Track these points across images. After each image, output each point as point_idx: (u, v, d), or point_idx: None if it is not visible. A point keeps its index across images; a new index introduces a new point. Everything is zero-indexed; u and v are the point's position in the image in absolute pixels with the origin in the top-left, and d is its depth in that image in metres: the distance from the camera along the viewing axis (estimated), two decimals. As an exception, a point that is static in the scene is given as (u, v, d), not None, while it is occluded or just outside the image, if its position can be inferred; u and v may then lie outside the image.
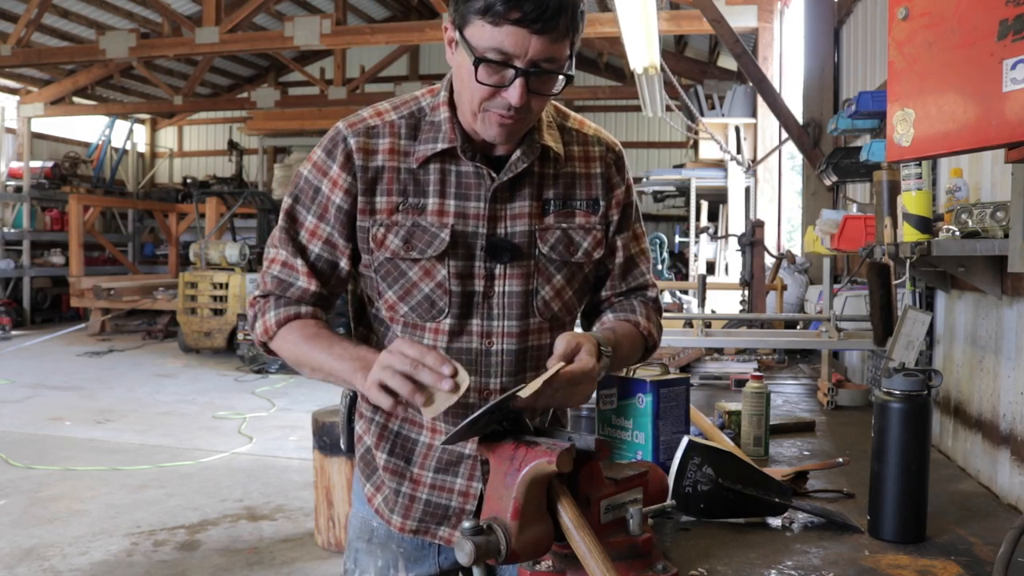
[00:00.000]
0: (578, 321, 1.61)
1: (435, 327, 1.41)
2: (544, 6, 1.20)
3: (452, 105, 1.39)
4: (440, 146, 1.37)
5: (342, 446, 1.62)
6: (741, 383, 2.72)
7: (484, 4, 1.21)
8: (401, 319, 1.43)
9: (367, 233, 1.40)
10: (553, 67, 1.27)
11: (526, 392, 1.15)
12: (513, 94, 1.26)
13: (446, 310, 1.40)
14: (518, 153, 1.39)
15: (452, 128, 1.38)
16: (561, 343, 1.28)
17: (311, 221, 1.41)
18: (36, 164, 14.81)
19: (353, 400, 1.56)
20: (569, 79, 1.31)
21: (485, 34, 1.23)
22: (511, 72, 1.25)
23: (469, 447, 1.45)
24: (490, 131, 1.33)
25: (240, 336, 10.33)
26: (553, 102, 1.47)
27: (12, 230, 14.22)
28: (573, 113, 1.54)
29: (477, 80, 1.26)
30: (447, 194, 1.38)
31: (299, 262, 1.40)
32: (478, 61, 1.24)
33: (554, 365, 1.22)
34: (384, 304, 1.44)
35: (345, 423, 1.57)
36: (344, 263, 1.42)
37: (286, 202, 1.44)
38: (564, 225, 1.44)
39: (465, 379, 1.17)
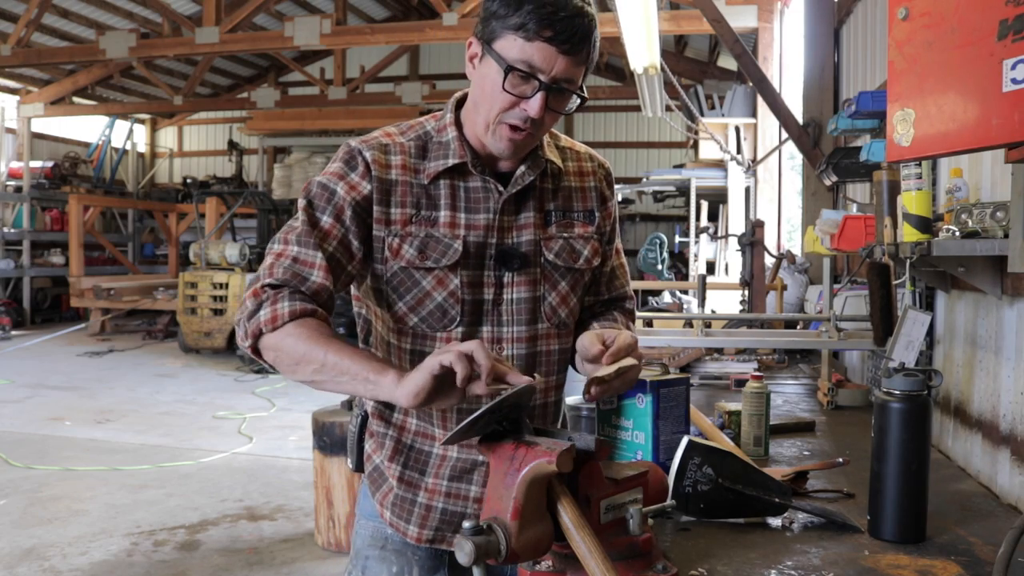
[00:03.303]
0: None
1: (446, 336, 1.45)
2: (574, 30, 1.32)
3: (459, 125, 1.48)
4: (451, 161, 1.44)
5: (349, 465, 1.65)
6: (741, 383, 2.73)
7: (519, 20, 1.31)
8: (410, 331, 1.47)
9: (382, 243, 1.43)
10: (571, 87, 1.38)
11: (600, 373, 1.27)
12: (534, 105, 1.35)
13: (458, 318, 1.45)
14: (523, 168, 1.46)
15: (461, 145, 1.45)
16: (594, 340, 1.34)
17: (327, 221, 1.41)
18: (36, 164, 14.81)
19: (364, 420, 1.60)
20: (583, 100, 1.43)
21: (516, 47, 1.33)
22: (535, 84, 1.34)
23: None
24: (499, 145, 1.40)
25: (240, 336, 10.31)
26: None
27: (12, 230, 14.22)
28: (563, 135, 1.63)
29: (504, 88, 1.34)
30: (458, 207, 1.45)
31: (318, 256, 1.37)
32: (509, 69, 1.33)
33: (627, 360, 1.31)
34: (393, 316, 1.46)
35: (355, 443, 1.61)
36: (352, 267, 1.43)
37: (301, 203, 1.43)
38: (565, 235, 1.52)
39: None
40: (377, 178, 1.42)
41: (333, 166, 1.45)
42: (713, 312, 4.06)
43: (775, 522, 1.64)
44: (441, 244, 1.43)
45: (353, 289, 1.56)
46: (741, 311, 4.41)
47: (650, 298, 6.74)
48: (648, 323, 3.58)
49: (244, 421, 7.35)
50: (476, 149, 1.46)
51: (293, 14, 12.47)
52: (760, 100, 7.67)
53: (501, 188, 1.45)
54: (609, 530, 1.22)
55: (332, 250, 1.40)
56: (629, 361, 1.30)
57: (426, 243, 1.43)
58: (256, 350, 1.35)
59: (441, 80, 15.79)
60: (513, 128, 1.37)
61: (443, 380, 1.18)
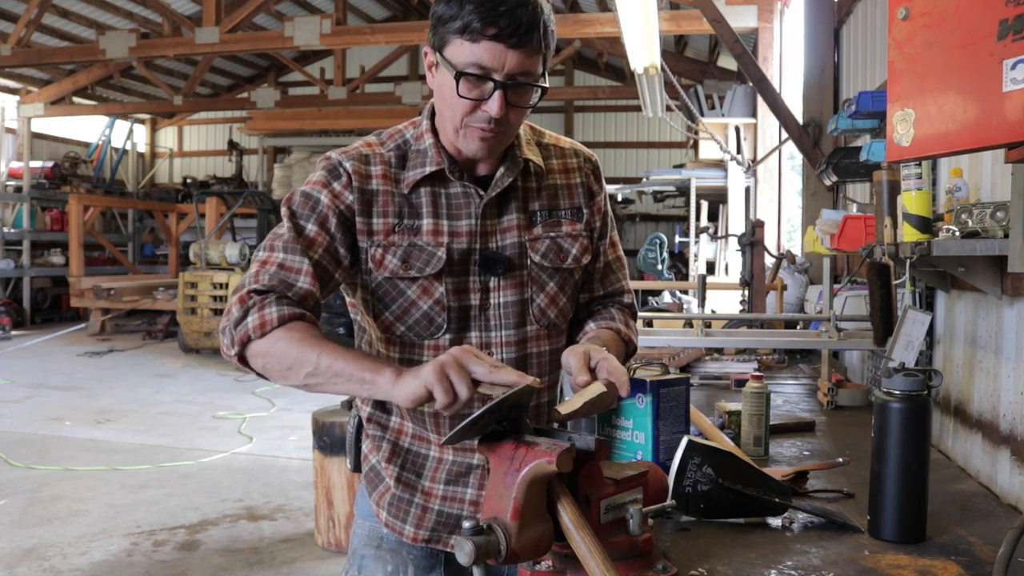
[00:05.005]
0: None
1: (434, 343, 1.45)
2: (518, 22, 1.29)
3: (435, 131, 1.46)
4: (428, 169, 1.43)
5: (348, 466, 1.66)
6: (741, 383, 2.73)
7: (462, 24, 1.29)
8: (398, 339, 1.46)
9: (365, 254, 1.43)
10: (528, 80, 1.35)
11: (565, 409, 1.21)
12: (493, 106, 1.33)
13: (444, 326, 1.44)
14: (502, 170, 1.45)
15: (438, 152, 1.44)
16: (574, 358, 1.29)
17: (312, 229, 1.40)
18: (36, 164, 14.80)
19: (361, 422, 1.60)
20: (544, 91, 1.38)
21: (464, 51, 1.31)
22: (490, 85, 1.32)
23: (477, 457, 1.48)
24: (471, 146, 1.38)
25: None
26: (528, 123, 1.54)
27: (12, 230, 14.21)
28: (548, 131, 1.60)
29: (459, 94, 1.33)
30: (440, 215, 1.44)
31: (305, 263, 1.37)
32: (459, 75, 1.32)
33: (594, 385, 1.26)
34: (380, 326, 1.46)
35: (353, 443, 1.61)
36: (339, 274, 1.43)
37: (284, 213, 1.43)
38: (552, 234, 1.50)
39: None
40: (358, 189, 1.42)
41: (315, 176, 1.45)
42: (713, 312, 4.06)
43: (775, 522, 1.64)
44: (425, 253, 1.41)
45: (348, 296, 1.55)
46: (741, 311, 4.41)
47: (650, 298, 6.74)
48: (648, 323, 3.58)
49: (244, 421, 7.35)
50: (453, 155, 1.44)
51: (293, 14, 12.47)
52: (760, 100, 7.67)
53: (481, 192, 1.44)
54: (609, 530, 1.21)
55: (318, 257, 1.39)
56: (597, 388, 1.24)
57: (409, 252, 1.41)
58: (243, 358, 1.33)
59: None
60: (482, 128, 1.36)
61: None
